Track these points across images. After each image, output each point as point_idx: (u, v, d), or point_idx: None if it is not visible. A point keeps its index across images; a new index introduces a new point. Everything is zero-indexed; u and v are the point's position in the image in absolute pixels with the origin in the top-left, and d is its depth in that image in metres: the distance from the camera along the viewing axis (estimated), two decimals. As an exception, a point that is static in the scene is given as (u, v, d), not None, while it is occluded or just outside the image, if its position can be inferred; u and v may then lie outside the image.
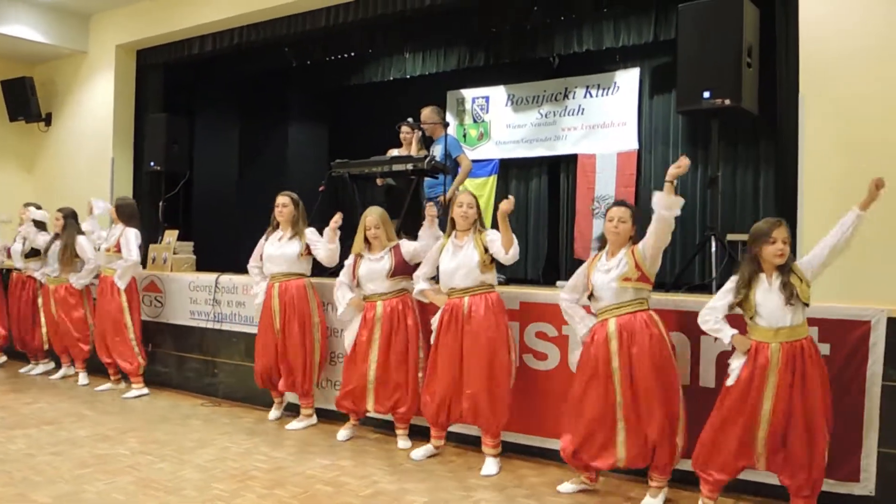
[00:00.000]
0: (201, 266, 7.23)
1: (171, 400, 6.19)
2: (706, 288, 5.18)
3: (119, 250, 6.27)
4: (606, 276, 3.85)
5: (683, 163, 3.79)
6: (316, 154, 10.68)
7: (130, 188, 9.03)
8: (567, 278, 4.28)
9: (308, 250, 5.28)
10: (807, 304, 3.45)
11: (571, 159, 9.13)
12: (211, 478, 4.13)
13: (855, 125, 4.86)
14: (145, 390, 6.37)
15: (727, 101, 4.85)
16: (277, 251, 5.33)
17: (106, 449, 4.67)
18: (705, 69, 4.94)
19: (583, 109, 9.08)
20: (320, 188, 6.23)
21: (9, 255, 7.48)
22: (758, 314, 3.47)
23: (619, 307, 3.82)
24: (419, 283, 4.69)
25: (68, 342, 6.86)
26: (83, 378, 6.83)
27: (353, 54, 8.98)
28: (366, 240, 4.89)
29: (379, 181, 6.55)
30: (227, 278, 6.18)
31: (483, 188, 9.67)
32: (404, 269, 4.82)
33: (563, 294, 4.14)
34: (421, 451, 4.61)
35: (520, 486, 4.11)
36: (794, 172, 5.19)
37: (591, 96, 9.04)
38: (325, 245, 5.19)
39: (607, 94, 8.91)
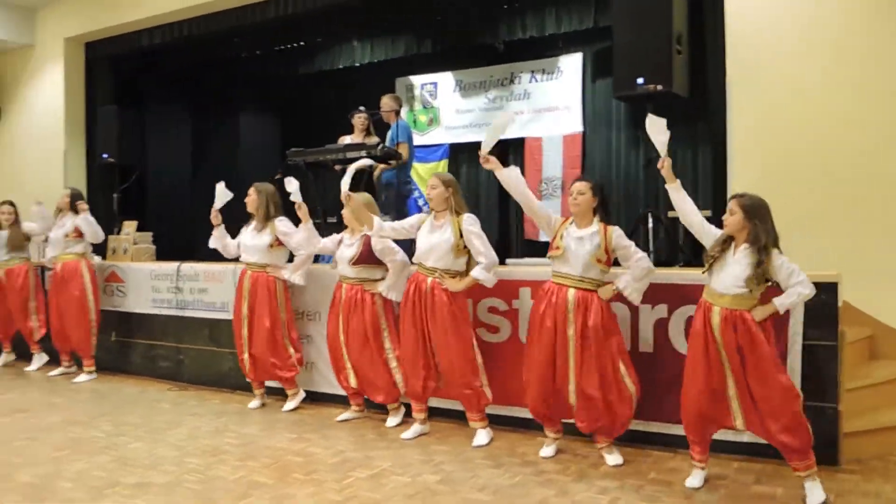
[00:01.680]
0: (159, 256, 7.37)
1: (138, 386, 6.35)
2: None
3: (78, 235, 6.54)
4: (579, 246, 4.08)
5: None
6: (268, 143, 10.80)
7: (84, 180, 9.08)
8: (518, 257, 4.54)
9: (279, 241, 5.41)
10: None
11: (519, 143, 9.43)
12: (185, 454, 4.36)
13: (776, 108, 5.27)
14: (94, 374, 6.63)
15: (659, 87, 5.20)
16: (250, 241, 5.49)
17: (80, 433, 4.85)
18: (639, 56, 5.28)
19: (528, 94, 9.38)
20: (276, 177, 6.41)
21: None
22: (715, 277, 3.68)
23: (582, 280, 4.08)
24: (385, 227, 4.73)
25: (19, 324, 7.05)
26: (37, 362, 7.10)
27: (302, 44, 9.15)
28: None
29: (337, 167, 6.74)
30: (188, 266, 6.36)
31: (434, 172, 9.94)
32: (369, 258, 4.92)
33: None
34: (410, 432, 4.72)
35: (477, 450, 4.42)
36: (724, 151, 5.59)
37: (536, 81, 9.34)
38: (297, 233, 5.30)
39: (552, 79, 9.22)
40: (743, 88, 5.38)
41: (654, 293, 4.38)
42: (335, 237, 5.20)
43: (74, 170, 9.03)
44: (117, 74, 9.26)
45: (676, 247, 5.92)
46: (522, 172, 9.33)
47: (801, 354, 4.09)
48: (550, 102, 9.21)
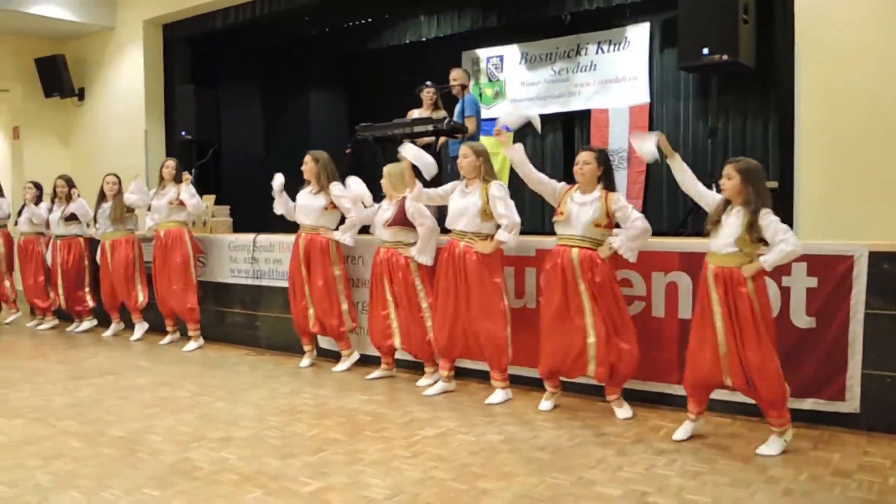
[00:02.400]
0: (234, 228, 7.71)
1: (218, 351, 6.72)
2: (708, 234, 5.55)
3: (181, 204, 6.80)
4: (581, 210, 4.38)
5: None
6: (337, 119, 11.09)
7: (163, 157, 9.47)
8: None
9: (333, 205, 5.76)
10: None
11: (585, 114, 9.42)
12: (265, 413, 4.65)
13: (846, 76, 5.18)
14: (202, 341, 6.86)
15: (725, 57, 5.18)
16: (305, 202, 5.86)
17: (167, 393, 5.21)
18: (704, 26, 5.27)
19: (595, 65, 9.35)
20: (346, 151, 6.64)
21: (48, 226, 7.99)
22: (713, 238, 3.90)
23: (584, 240, 4.38)
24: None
25: (123, 295, 7.30)
26: (139, 331, 7.32)
27: (370, 20, 9.32)
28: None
29: (405, 142, 6.91)
30: (264, 238, 6.65)
31: (499, 146, 9.95)
32: (403, 221, 5.24)
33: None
34: (435, 388, 5.08)
35: (539, 413, 4.58)
36: (792, 122, 5.53)
37: (602, 52, 9.30)
38: (350, 193, 5.68)
39: (619, 50, 9.16)
40: (812, 57, 5.30)
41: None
42: (374, 207, 5.55)
43: (155, 147, 9.44)
44: (193, 54, 9.62)
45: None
46: (588, 144, 9.51)
47: (862, 323, 4.11)
48: (617, 73, 9.15)
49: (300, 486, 3.42)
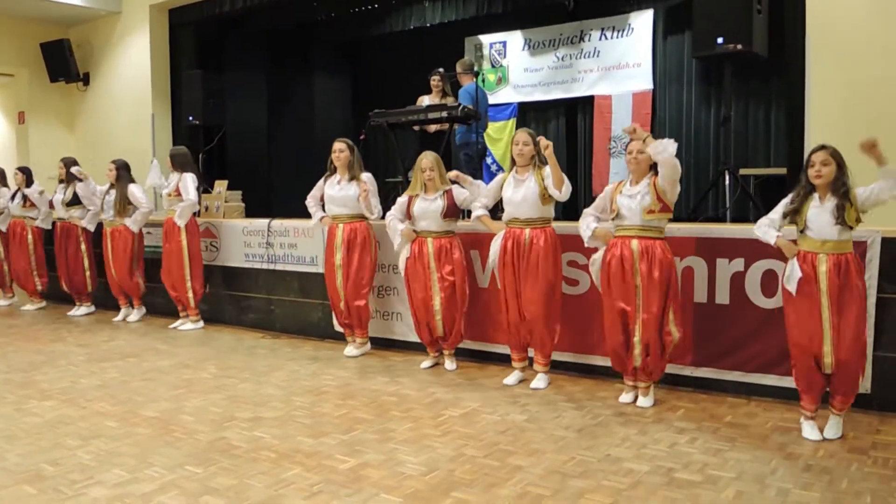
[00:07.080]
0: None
1: (234, 335, 6.79)
2: (720, 218, 5.67)
3: (179, 194, 6.86)
4: (632, 202, 4.35)
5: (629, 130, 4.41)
6: (341, 104, 11.16)
7: (170, 142, 9.50)
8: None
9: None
10: (851, 227, 3.78)
11: (588, 101, 9.54)
12: (290, 393, 4.76)
13: (856, 65, 5.28)
14: (200, 324, 7.02)
15: (739, 46, 5.28)
16: (339, 194, 5.71)
17: (190, 375, 5.30)
18: (718, 16, 5.37)
19: (598, 52, 9.44)
20: (360, 137, 6.72)
21: (52, 206, 8.09)
22: (808, 228, 3.83)
23: (644, 229, 4.34)
24: (478, 210, 5.09)
25: (124, 282, 7.45)
26: (136, 314, 7.53)
27: (376, 6, 9.36)
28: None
29: (416, 128, 7.00)
30: (278, 223, 6.71)
31: (502, 131, 10.12)
32: (454, 211, 5.26)
33: (588, 210, 4.67)
34: (512, 378, 5.00)
35: (559, 394, 4.70)
36: (801, 110, 5.64)
37: (606, 38, 9.39)
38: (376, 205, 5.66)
39: (622, 36, 9.26)
40: (823, 47, 5.40)
41: (732, 247, 4.56)
42: (402, 201, 5.40)
43: (162, 132, 9.47)
44: (199, 39, 9.61)
45: (750, 202, 6.04)
46: (591, 131, 9.62)
47: (874, 308, 4.23)
48: (620, 60, 9.26)
49: (337, 462, 3.53)
